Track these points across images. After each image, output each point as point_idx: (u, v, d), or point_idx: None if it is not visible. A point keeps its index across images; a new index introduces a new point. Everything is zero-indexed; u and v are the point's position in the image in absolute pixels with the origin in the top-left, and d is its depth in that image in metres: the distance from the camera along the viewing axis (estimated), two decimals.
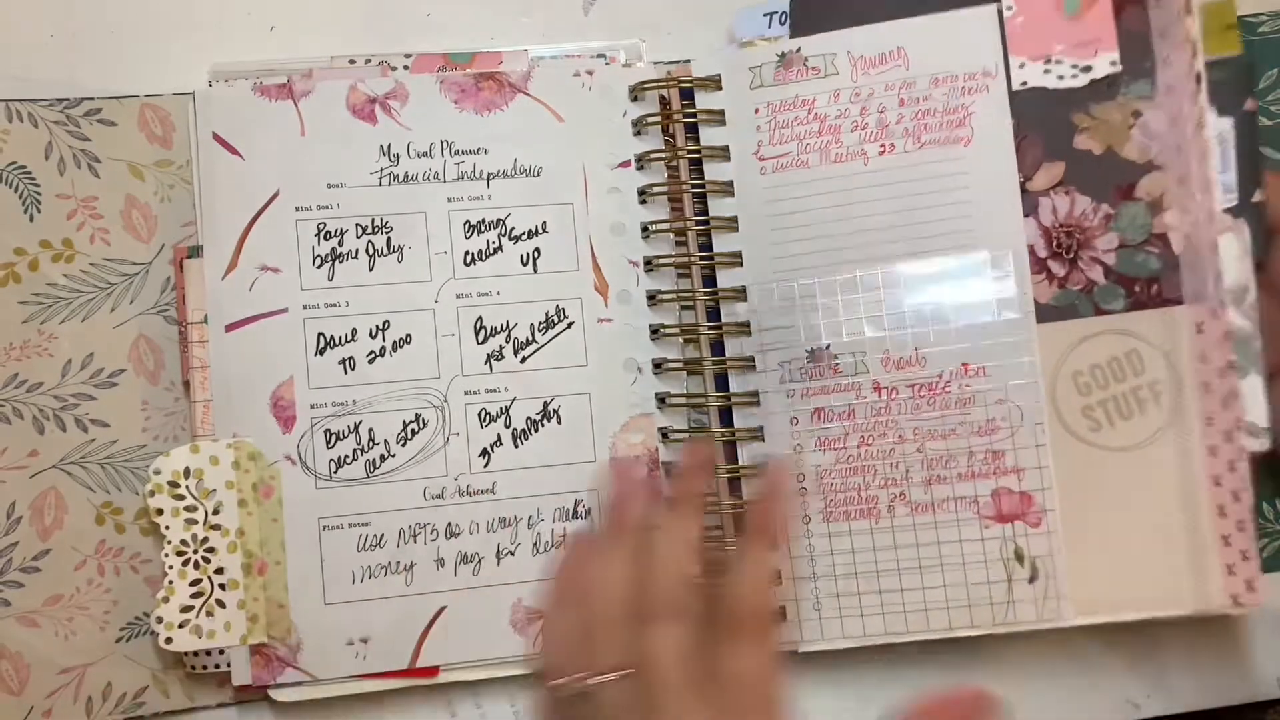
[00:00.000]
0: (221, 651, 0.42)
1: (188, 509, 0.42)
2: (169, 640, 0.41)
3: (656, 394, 0.44)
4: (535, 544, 0.43)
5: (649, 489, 0.42)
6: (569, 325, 0.44)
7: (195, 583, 0.42)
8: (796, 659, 0.44)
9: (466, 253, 0.44)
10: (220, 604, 0.42)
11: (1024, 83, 0.43)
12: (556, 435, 0.44)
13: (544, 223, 0.44)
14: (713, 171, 0.44)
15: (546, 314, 0.44)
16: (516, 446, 0.44)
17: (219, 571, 0.42)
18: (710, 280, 0.44)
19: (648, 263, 0.44)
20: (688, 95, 0.45)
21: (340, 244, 0.43)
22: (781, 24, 0.44)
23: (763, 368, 0.43)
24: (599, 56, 0.45)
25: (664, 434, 0.44)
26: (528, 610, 0.43)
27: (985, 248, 0.43)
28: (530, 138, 0.44)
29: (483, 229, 0.44)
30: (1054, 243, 0.43)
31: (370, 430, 0.43)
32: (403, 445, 0.43)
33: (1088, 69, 0.43)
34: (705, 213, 0.44)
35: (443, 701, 0.44)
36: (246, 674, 0.42)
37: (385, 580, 0.43)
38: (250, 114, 0.43)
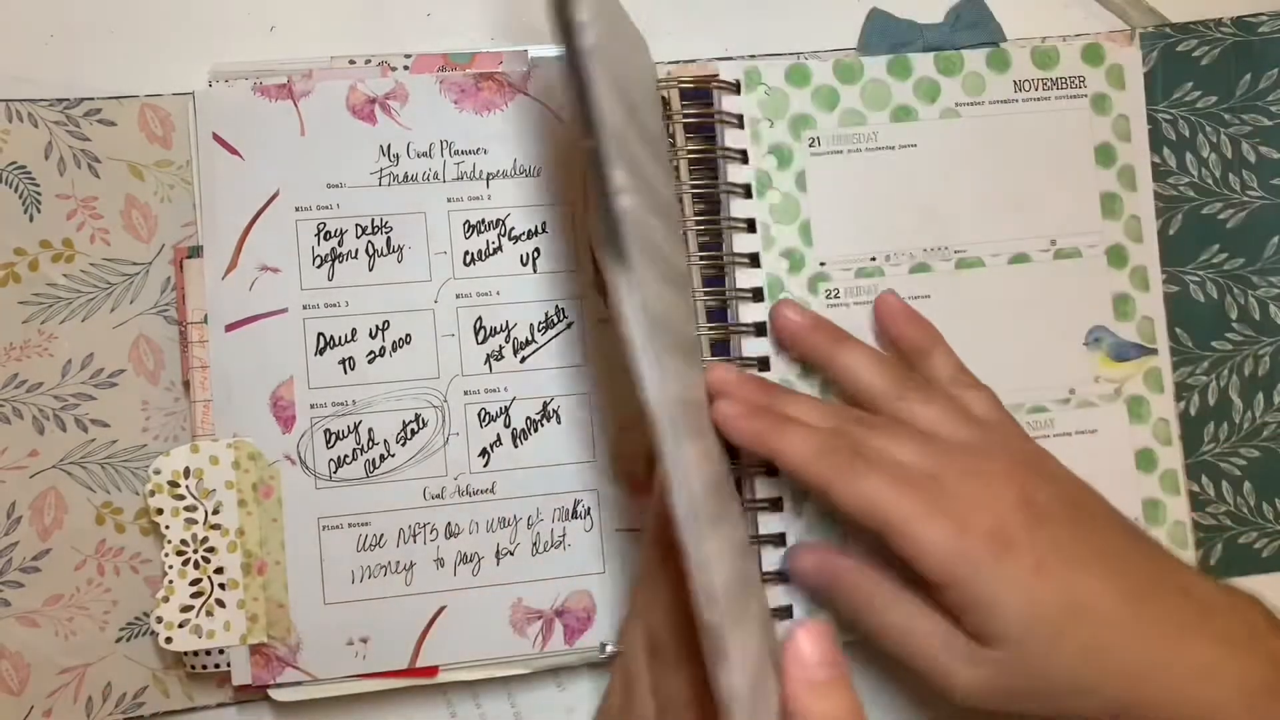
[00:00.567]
0: (221, 651, 0.42)
1: (188, 509, 0.42)
2: (169, 640, 0.41)
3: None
4: (535, 544, 0.43)
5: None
6: (569, 325, 0.44)
7: (195, 582, 0.42)
8: None
9: (466, 253, 0.44)
10: (220, 604, 0.42)
11: None
12: (556, 435, 0.44)
13: (543, 223, 0.44)
14: (732, 174, 0.44)
15: (546, 314, 0.44)
16: (516, 446, 0.44)
17: (219, 571, 0.42)
18: (710, 280, 0.44)
19: None
20: (687, 96, 0.45)
21: (340, 244, 0.43)
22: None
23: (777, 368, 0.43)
24: None
25: None
26: (527, 610, 0.43)
27: None
28: (530, 138, 0.44)
29: (482, 229, 0.44)
30: None
31: (370, 430, 0.43)
32: (402, 445, 0.43)
33: None
34: (706, 213, 0.44)
35: (442, 701, 0.44)
36: (246, 674, 0.42)
37: (385, 580, 0.43)
38: (250, 114, 0.43)
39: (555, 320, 0.44)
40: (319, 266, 0.43)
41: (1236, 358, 0.47)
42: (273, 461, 0.43)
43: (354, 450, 0.43)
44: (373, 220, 0.44)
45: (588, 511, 0.44)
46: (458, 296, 0.44)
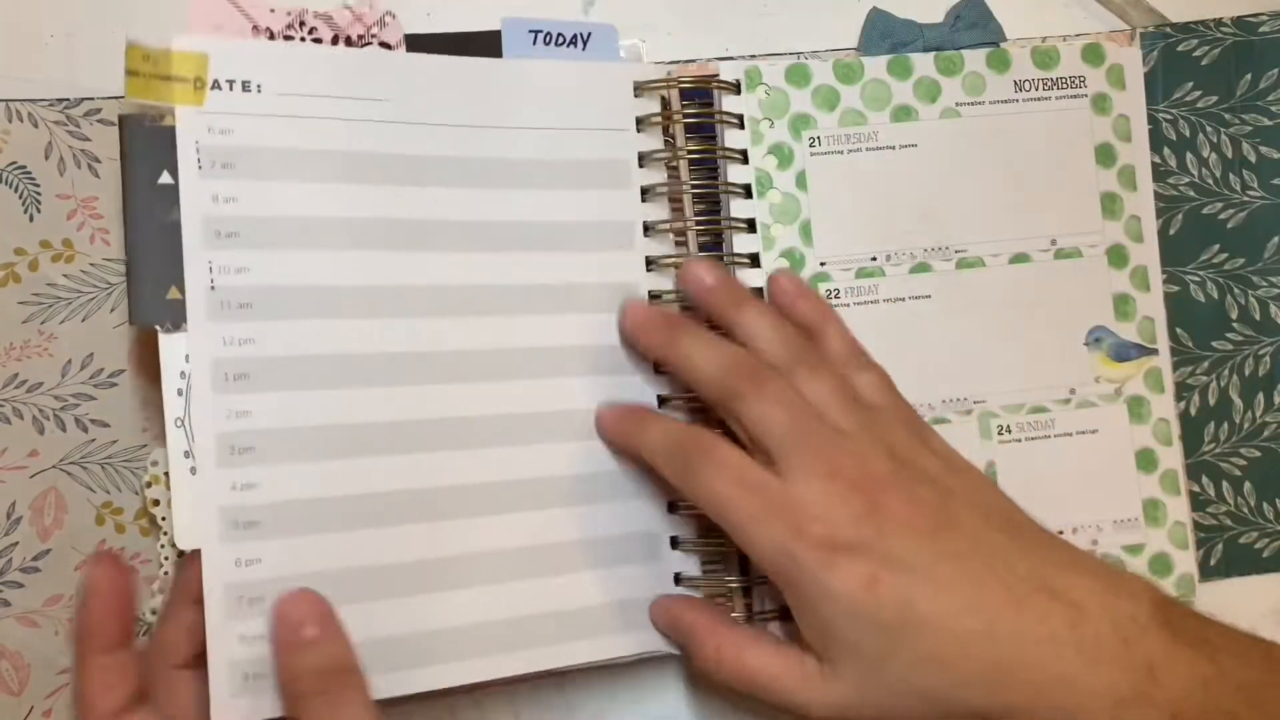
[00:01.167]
0: None
1: None
2: None
3: (657, 394, 0.43)
4: None
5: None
6: None
7: None
8: None
9: None
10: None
11: None
12: None
13: None
14: (732, 174, 0.44)
15: None
16: None
17: None
18: None
19: (648, 262, 0.44)
20: (687, 96, 0.45)
21: None
22: (547, 44, 0.43)
23: None
24: None
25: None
26: None
27: None
28: None
29: None
30: None
31: None
32: None
33: None
34: (706, 213, 0.44)
35: (443, 703, 0.44)
36: None
37: None
38: None
39: None
40: None
41: (1237, 358, 0.47)
42: None
43: None
44: None
45: None
46: None
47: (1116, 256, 0.46)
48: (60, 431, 0.42)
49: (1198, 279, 0.47)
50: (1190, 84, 0.48)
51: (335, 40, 0.41)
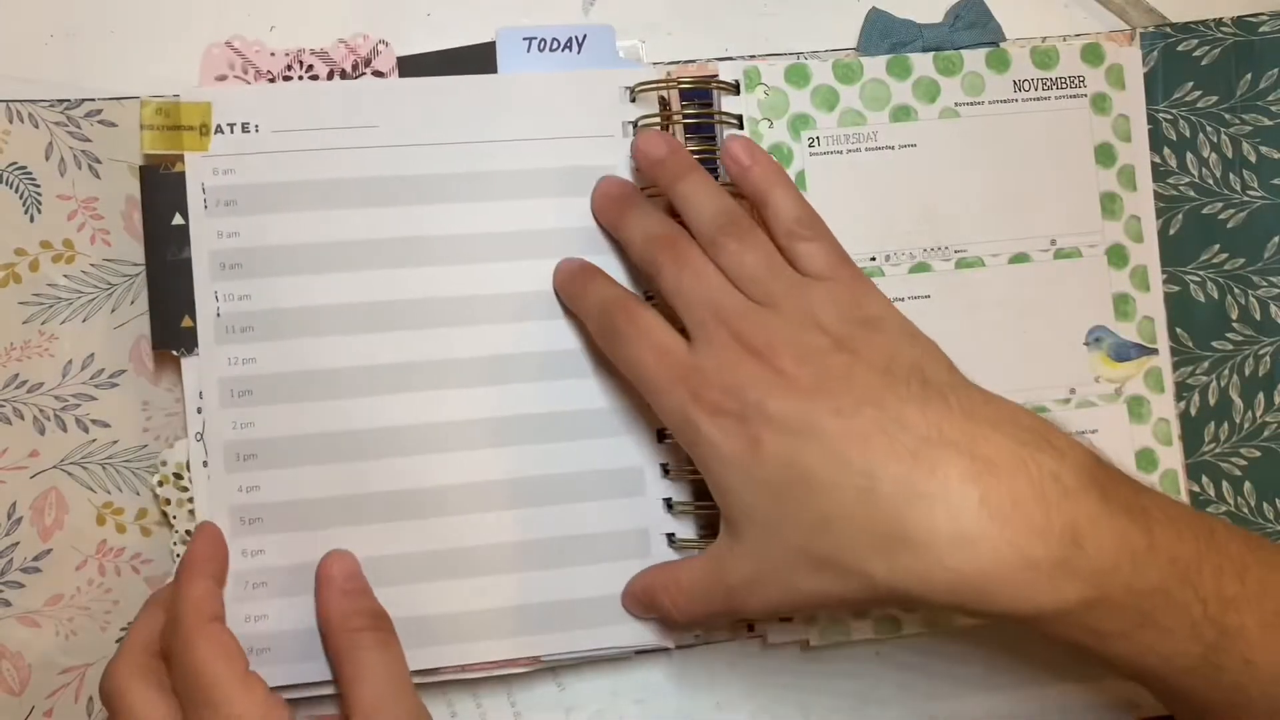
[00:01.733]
0: None
1: (191, 500, 0.42)
2: None
3: None
4: None
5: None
6: None
7: None
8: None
9: None
10: None
11: None
12: None
13: None
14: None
15: None
16: None
17: None
18: None
19: None
20: (687, 96, 0.45)
21: None
22: (542, 50, 0.44)
23: None
24: None
25: (660, 434, 0.44)
26: None
27: None
28: None
29: None
30: None
31: None
32: None
33: None
34: None
35: (443, 701, 0.44)
36: None
37: None
38: None
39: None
40: None
41: (1237, 358, 0.47)
42: None
43: None
44: None
45: None
46: None
47: (1116, 256, 0.46)
48: (61, 432, 0.42)
49: (1198, 279, 0.47)
50: (1190, 84, 0.47)
51: (331, 75, 0.43)
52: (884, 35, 0.46)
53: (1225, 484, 0.47)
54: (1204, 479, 0.47)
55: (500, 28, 0.44)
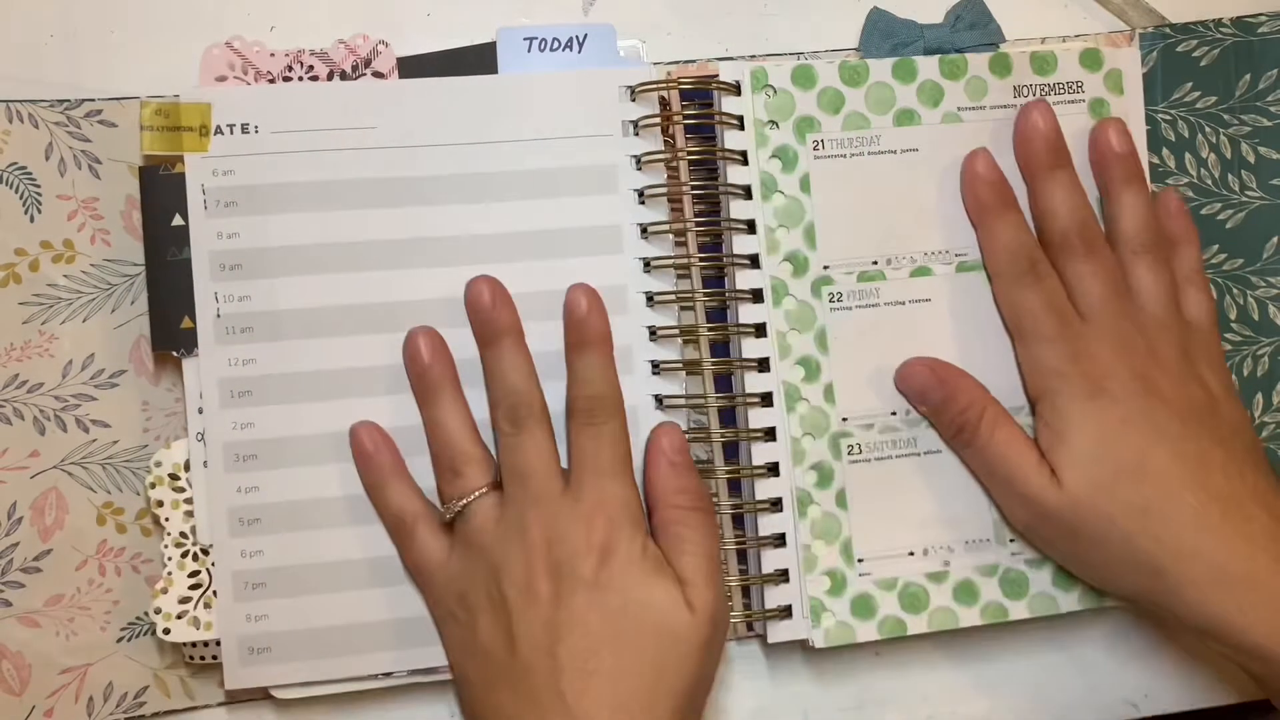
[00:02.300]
0: (219, 642, 0.42)
1: (187, 501, 0.42)
2: (167, 631, 0.41)
3: (654, 395, 0.44)
4: None
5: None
6: None
7: (194, 574, 0.42)
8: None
9: None
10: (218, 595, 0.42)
11: None
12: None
13: None
14: (732, 175, 0.44)
15: None
16: None
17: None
18: (709, 281, 0.44)
19: (646, 263, 0.44)
20: (687, 97, 0.45)
21: None
22: (542, 50, 0.44)
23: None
24: None
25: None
26: None
27: None
28: None
29: None
30: None
31: None
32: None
33: None
34: (706, 214, 0.44)
35: (443, 701, 0.44)
36: None
37: None
38: None
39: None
40: None
41: (1236, 358, 0.48)
42: None
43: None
44: None
45: None
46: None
47: None
48: (61, 432, 0.42)
49: None
50: (1189, 84, 0.48)
51: (331, 75, 0.43)
52: (885, 36, 0.46)
53: None
54: None
55: (500, 28, 0.44)
